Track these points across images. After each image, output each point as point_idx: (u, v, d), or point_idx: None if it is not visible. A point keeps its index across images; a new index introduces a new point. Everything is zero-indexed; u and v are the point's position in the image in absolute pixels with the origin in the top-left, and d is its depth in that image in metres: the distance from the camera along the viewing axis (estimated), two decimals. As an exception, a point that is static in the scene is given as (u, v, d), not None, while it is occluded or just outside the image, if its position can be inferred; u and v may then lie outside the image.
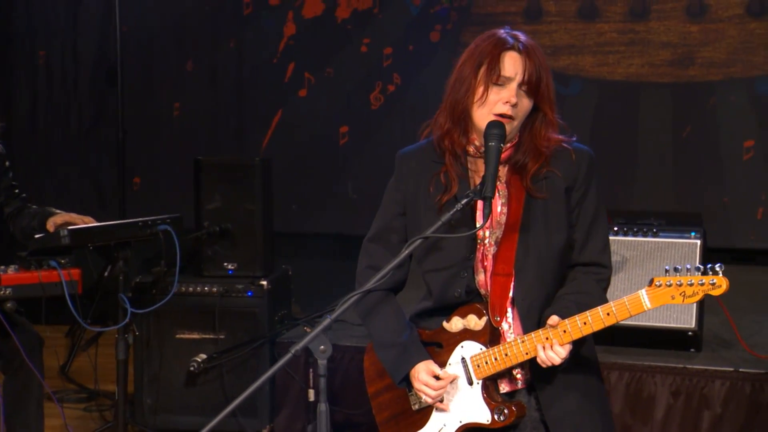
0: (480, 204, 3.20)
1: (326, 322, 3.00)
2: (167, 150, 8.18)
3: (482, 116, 3.18)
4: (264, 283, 5.62)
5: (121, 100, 7.43)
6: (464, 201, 3.08)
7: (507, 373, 3.24)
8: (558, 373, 3.19)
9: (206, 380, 5.62)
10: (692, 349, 5.34)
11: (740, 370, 5.15)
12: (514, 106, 3.15)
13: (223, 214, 5.66)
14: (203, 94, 8.10)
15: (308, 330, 5.33)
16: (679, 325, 5.29)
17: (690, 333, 5.30)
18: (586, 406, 3.25)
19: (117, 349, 4.86)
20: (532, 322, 3.19)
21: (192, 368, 5.51)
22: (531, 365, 3.20)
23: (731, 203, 7.21)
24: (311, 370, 5.46)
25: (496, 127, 3.13)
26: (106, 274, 5.98)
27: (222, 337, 5.61)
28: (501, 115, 3.16)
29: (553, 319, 3.08)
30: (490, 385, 3.24)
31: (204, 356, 5.56)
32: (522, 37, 3.21)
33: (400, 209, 3.38)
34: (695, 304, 5.26)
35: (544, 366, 3.10)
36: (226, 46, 8.05)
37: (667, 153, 7.32)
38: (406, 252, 3.05)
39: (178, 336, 5.66)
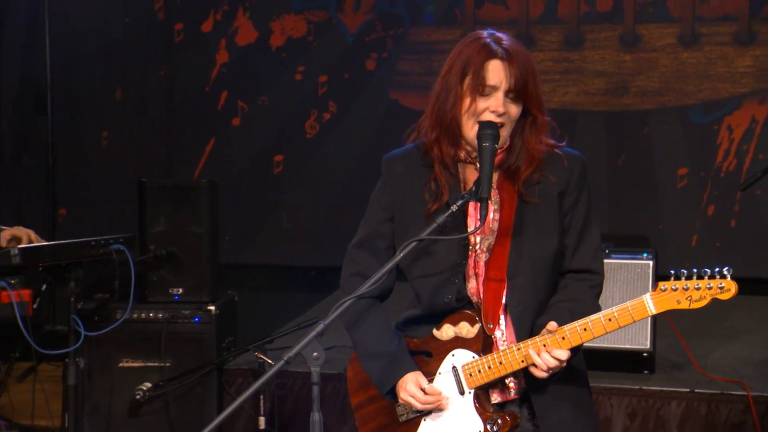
0: (471, 209, 3.14)
1: (320, 327, 2.89)
2: (94, 181, 7.97)
3: (470, 126, 3.13)
4: (212, 308, 5.47)
5: (52, 127, 7.24)
6: (459, 203, 3.01)
7: (499, 383, 3.16)
8: (552, 384, 3.12)
9: (150, 410, 5.44)
10: (646, 371, 5.32)
11: (696, 390, 5.15)
12: (502, 114, 3.09)
13: (168, 237, 5.50)
14: (132, 122, 7.94)
15: (260, 356, 5.18)
16: (633, 347, 5.28)
17: (645, 354, 5.29)
18: (579, 417, 3.20)
19: (67, 374, 4.67)
20: (526, 329, 3.12)
21: (138, 396, 5.32)
22: (525, 375, 3.13)
23: (666, 230, 7.26)
24: (261, 396, 5.31)
25: (489, 127, 3.07)
26: (35, 305, 5.77)
27: (167, 364, 5.44)
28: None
29: (552, 324, 3.01)
30: (481, 394, 3.15)
31: (149, 385, 5.37)
32: (505, 41, 3.14)
33: (387, 214, 3.29)
34: (650, 326, 5.27)
35: (540, 371, 3.02)
36: (157, 74, 7.91)
37: (603, 181, 7.36)
38: (401, 255, 2.96)
39: (121, 365, 5.47)
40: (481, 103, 3.09)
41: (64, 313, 5.05)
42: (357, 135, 7.64)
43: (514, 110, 3.12)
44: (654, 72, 7.28)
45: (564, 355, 3.00)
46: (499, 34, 3.17)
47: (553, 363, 3.00)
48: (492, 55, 3.09)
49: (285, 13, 7.71)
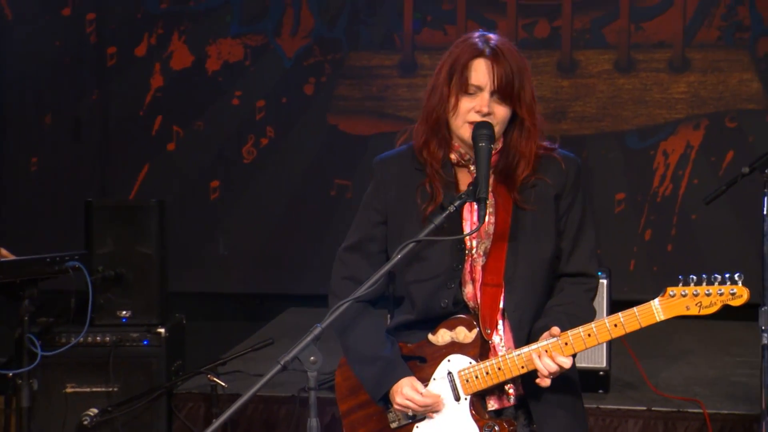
0: (466, 212, 3.09)
1: (317, 331, 2.81)
2: (23, 209, 7.75)
3: (458, 126, 3.09)
4: (161, 330, 5.32)
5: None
6: (457, 203, 2.96)
7: (496, 390, 3.10)
8: (550, 391, 3.07)
9: (97, 437, 5.26)
10: (601, 390, 5.30)
11: (653, 408, 5.15)
12: (487, 114, 3.04)
13: (115, 258, 5.34)
14: (63, 148, 7.75)
15: (213, 379, 5.05)
16: (590, 365, 5.25)
17: (601, 373, 5.27)
18: (575, 425, 3.15)
19: (21, 396, 4.48)
20: (524, 334, 3.07)
21: (85, 422, 5.12)
22: (523, 381, 3.08)
23: (604, 255, 7.29)
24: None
25: (484, 127, 3.02)
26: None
27: (115, 389, 5.27)
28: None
29: (556, 329, 2.96)
30: (477, 401, 3.09)
31: (96, 410, 5.19)
32: (494, 40, 3.09)
33: (380, 218, 3.21)
34: (606, 345, 5.25)
35: (543, 376, 2.96)
36: (89, 98, 7.73)
37: (542, 206, 7.38)
38: (399, 256, 2.89)
39: (66, 390, 5.28)
40: (466, 103, 3.05)
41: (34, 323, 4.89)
42: (295, 160, 7.57)
43: (502, 111, 3.07)
44: (591, 98, 7.35)
45: (567, 362, 2.95)
46: (490, 34, 3.13)
47: (554, 368, 2.95)
48: (477, 53, 3.05)
49: (221, 38, 7.63)
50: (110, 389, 5.27)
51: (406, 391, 3.07)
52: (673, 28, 7.32)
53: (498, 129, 3.08)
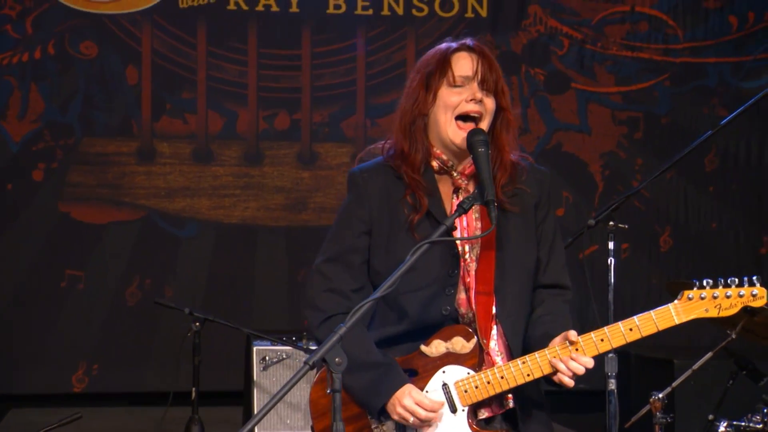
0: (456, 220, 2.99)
1: (342, 330, 2.61)
2: None
3: (447, 121, 3.02)
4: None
5: None
6: (466, 205, 2.88)
7: (495, 399, 2.99)
8: (534, 404, 3.04)
9: None
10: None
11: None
12: (480, 102, 3.02)
13: None
14: None
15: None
16: None
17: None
18: (550, 434, 3.12)
19: None
20: (518, 341, 3.02)
21: None
22: (513, 392, 3.00)
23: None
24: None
25: (477, 134, 2.99)
26: None
27: None
28: (467, 115, 3.02)
29: (572, 334, 2.91)
30: (472, 412, 2.97)
31: None
32: (469, 40, 3.10)
33: (365, 227, 3.07)
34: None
35: (566, 378, 2.89)
36: None
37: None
38: (414, 258, 2.72)
39: None
40: (455, 96, 3.01)
41: None
42: (22, 251, 7.06)
43: (490, 103, 3.05)
44: (331, 189, 7.42)
45: (591, 363, 2.91)
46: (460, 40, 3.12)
47: (581, 370, 2.89)
48: (457, 48, 3.06)
49: (-63, 117, 7.04)
50: None
51: (415, 395, 2.90)
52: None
53: (486, 124, 3.05)
